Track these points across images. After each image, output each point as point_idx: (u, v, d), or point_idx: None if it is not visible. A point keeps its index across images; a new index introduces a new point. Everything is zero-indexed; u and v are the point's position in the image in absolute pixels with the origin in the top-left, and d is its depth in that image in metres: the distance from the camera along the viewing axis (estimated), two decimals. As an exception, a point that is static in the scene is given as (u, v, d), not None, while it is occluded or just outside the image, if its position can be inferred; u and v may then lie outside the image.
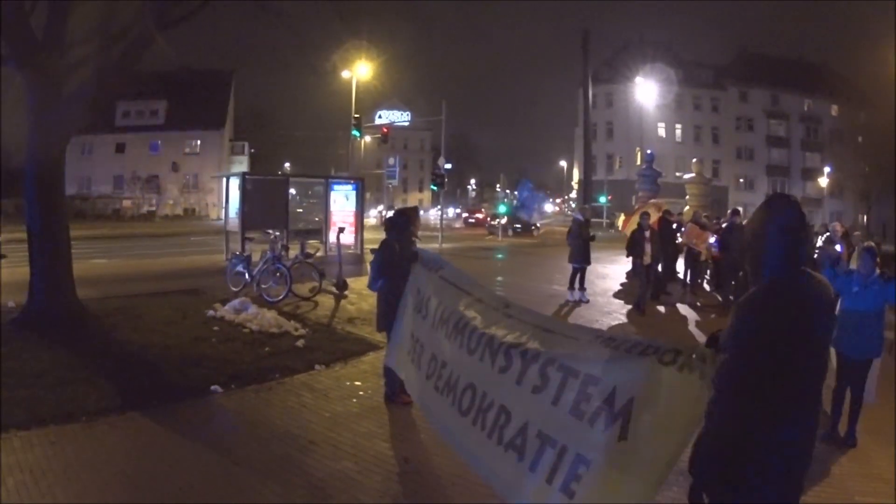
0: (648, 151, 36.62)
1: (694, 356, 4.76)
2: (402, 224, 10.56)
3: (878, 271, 10.00)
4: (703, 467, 4.69)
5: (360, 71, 52.31)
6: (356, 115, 51.21)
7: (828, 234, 20.16)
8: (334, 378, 10.93)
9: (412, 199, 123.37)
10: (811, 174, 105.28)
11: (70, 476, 7.51)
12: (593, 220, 49.16)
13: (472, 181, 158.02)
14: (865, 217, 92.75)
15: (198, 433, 9.14)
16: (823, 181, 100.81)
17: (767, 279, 4.66)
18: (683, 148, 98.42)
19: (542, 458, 5.66)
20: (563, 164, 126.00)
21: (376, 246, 10.62)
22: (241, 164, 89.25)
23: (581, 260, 21.95)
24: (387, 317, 9.99)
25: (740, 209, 21.89)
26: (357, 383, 11.23)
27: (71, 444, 8.46)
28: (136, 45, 15.38)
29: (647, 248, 20.35)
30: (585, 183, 53.97)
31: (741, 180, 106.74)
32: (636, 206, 30.50)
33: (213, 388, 10.82)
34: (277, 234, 20.69)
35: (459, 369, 7.27)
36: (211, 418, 9.85)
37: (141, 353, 12.72)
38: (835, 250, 17.93)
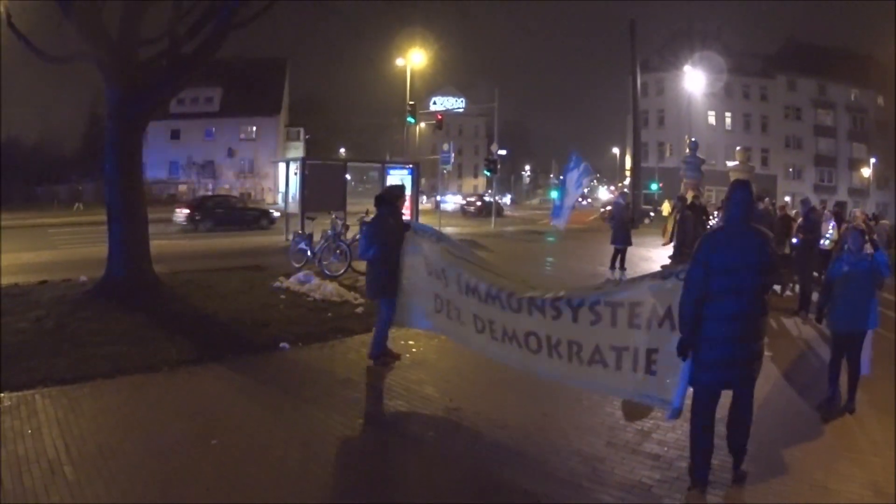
0: (693, 139, 36.85)
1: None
2: (392, 200, 11.47)
3: (869, 250, 10.76)
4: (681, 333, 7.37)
5: (415, 59, 52.74)
6: (411, 102, 51.88)
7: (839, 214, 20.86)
8: (390, 338, 11.63)
9: (467, 185, 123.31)
10: (857, 165, 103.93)
11: (152, 415, 8.71)
12: (645, 206, 49.88)
13: (527, 167, 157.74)
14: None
15: (271, 379, 10.44)
16: (867, 172, 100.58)
17: (725, 226, 7.66)
18: (733, 136, 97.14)
19: (622, 360, 8.21)
20: (616, 151, 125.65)
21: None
22: (297, 150, 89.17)
23: (622, 241, 22.65)
24: (378, 282, 11.15)
25: (809, 198, 22.50)
26: (410, 342, 12.26)
27: (155, 388, 9.74)
28: (207, 44, 16.45)
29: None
30: (635, 169, 54.72)
31: (790, 169, 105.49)
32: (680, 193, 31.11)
33: (281, 345, 12.05)
34: (339, 214, 21.67)
35: (512, 323, 9.23)
36: (282, 368, 11.10)
37: (214, 316, 13.93)
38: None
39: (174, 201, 62.37)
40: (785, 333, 15.87)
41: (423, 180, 67.75)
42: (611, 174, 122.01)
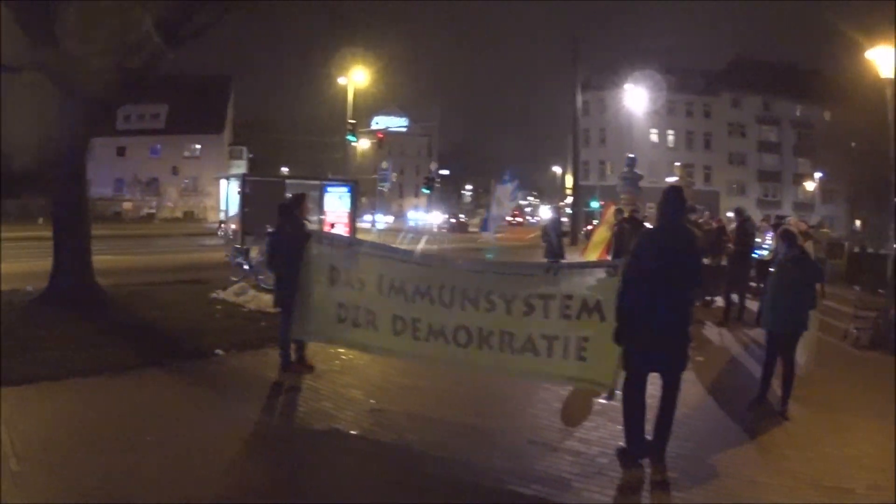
0: (631, 155, 37.43)
1: (619, 267, 8.39)
2: (292, 209, 11.78)
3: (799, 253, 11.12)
4: (619, 321, 8.01)
5: (357, 77, 52.29)
6: (351, 121, 52.13)
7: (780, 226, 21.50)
8: (321, 347, 12.09)
9: (408, 204, 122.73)
10: (802, 179, 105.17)
11: (95, 415, 9.22)
12: (588, 227, 50.40)
13: (469, 186, 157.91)
14: (860, 222, 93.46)
15: (206, 383, 10.98)
16: (811, 186, 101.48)
17: (659, 224, 8.35)
18: (675, 153, 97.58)
19: (553, 348, 8.80)
20: (558, 169, 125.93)
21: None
22: (240, 168, 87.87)
23: (555, 255, 22.92)
24: (279, 293, 11.52)
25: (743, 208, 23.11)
26: (341, 350, 12.56)
27: (99, 391, 10.24)
28: (150, 58, 16.83)
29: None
30: (575, 187, 55.32)
31: (733, 185, 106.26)
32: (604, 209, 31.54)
33: (216, 351, 12.53)
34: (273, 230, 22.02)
35: (441, 319, 9.59)
36: (217, 373, 11.62)
37: (154, 325, 14.38)
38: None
39: (119, 219, 62.12)
40: (719, 340, 16.60)
41: (363, 199, 67.91)
42: (552, 192, 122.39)
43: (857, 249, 46.29)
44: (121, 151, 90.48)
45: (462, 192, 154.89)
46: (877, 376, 13.94)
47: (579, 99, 56.44)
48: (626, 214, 22.83)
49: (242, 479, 7.48)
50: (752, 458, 9.04)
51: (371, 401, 10.46)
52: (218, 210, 27.10)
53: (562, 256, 23.27)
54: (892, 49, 18.13)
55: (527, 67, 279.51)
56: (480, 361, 9.44)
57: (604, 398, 8.94)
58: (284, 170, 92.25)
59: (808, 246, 13.91)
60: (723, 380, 13.03)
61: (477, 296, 9.34)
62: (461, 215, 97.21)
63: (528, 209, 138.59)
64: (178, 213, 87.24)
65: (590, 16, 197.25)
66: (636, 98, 69.80)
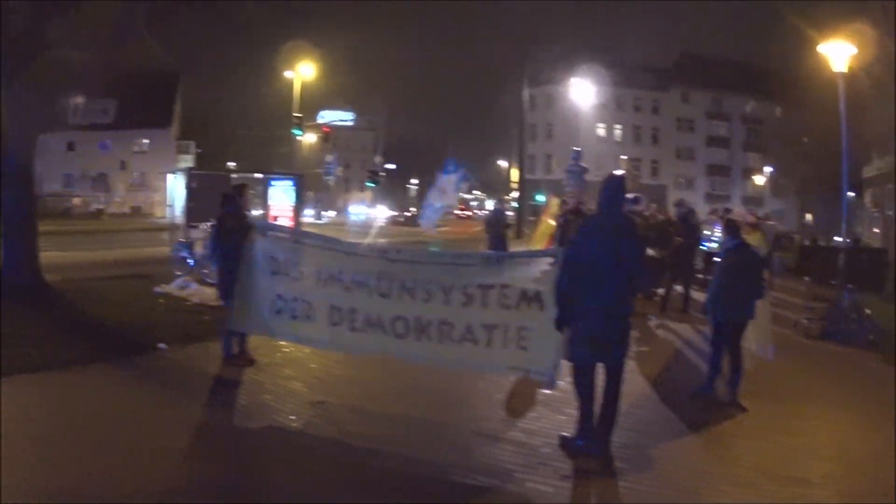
0: (577, 149, 37.60)
1: (558, 255, 8.40)
2: (234, 199, 11.76)
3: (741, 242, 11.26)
4: (558, 308, 8.06)
5: (304, 71, 53.02)
6: (297, 115, 52.30)
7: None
8: (265, 340, 11.99)
9: (354, 198, 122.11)
10: (752, 173, 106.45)
11: (42, 409, 9.13)
12: (531, 218, 50.59)
13: (414, 181, 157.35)
14: (810, 215, 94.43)
15: (150, 377, 10.93)
16: (760, 180, 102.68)
17: (599, 211, 8.40)
18: (622, 148, 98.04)
19: (493, 337, 8.80)
20: (504, 163, 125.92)
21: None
22: (188, 163, 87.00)
23: (499, 248, 22.96)
24: (222, 285, 11.53)
25: (684, 200, 23.32)
26: (283, 343, 12.39)
27: (46, 386, 10.09)
28: (101, 50, 16.63)
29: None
30: (521, 181, 55.48)
31: (681, 180, 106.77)
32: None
33: (160, 345, 12.46)
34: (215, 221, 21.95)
35: (379, 309, 9.55)
36: (161, 367, 11.59)
37: (100, 320, 14.28)
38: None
39: (69, 215, 61.40)
40: (664, 331, 16.78)
41: (310, 193, 67.59)
42: (498, 186, 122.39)
43: (807, 242, 46.83)
44: (71, 147, 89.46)
45: (407, 186, 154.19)
46: (829, 366, 14.41)
47: (526, 93, 56.55)
48: (570, 206, 22.89)
49: (184, 476, 7.41)
50: (700, 447, 9.17)
51: (313, 393, 10.50)
52: (165, 205, 26.81)
53: (505, 249, 23.04)
54: (845, 44, 18.32)
55: (474, 62, 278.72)
56: (419, 352, 9.47)
57: (545, 388, 9.02)
58: (232, 164, 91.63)
59: (757, 237, 14.03)
60: (669, 370, 13.19)
61: (415, 286, 9.35)
62: (412, 208, 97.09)
63: (473, 203, 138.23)
64: (127, 209, 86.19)
65: (538, 11, 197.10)
66: (583, 93, 69.90)
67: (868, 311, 16.89)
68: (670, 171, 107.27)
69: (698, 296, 18.00)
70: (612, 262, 7.90)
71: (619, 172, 31.25)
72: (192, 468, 7.62)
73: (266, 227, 12.16)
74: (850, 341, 16.25)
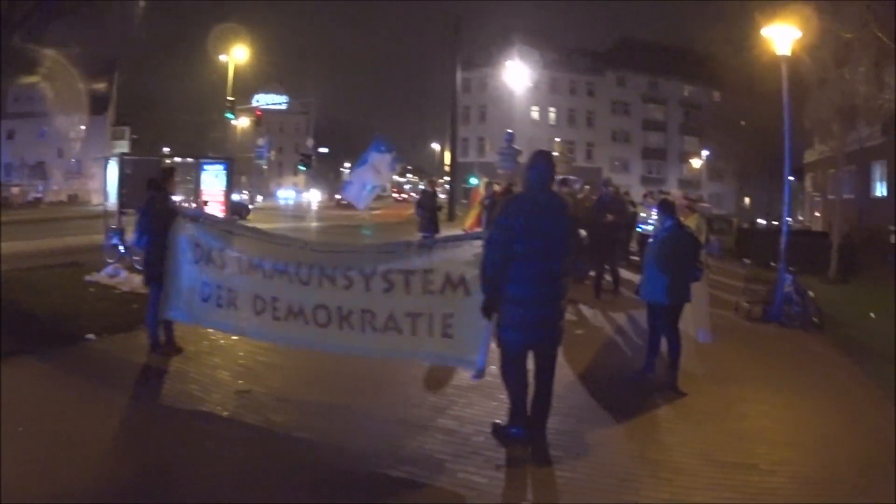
0: (509, 131, 37.45)
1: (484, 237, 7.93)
2: (160, 184, 11.45)
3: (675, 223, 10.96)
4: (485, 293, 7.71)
5: (238, 54, 52.72)
6: (230, 98, 51.77)
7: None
8: (191, 328, 11.70)
9: (287, 182, 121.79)
10: (688, 157, 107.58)
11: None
12: (464, 201, 50.54)
13: (347, 164, 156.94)
14: (748, 199, 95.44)
15: (77, 369, 10.53)
16: (697, 163, 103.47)
17: (526, 189, 7.98)
18: (557, 131, 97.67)
19: (417, 325, 8.44)
20: (437, 146, 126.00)
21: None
22: (123, 148, 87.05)
23: (430, 230, 22.97)
24: (148, 271, 11.25)
25: (609, 178, 23.06)
26: (209, 331, 12.11)
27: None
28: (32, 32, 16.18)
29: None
30: (452, 163, 55.42)
31: (616, 162, 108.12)
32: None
33: (88, 336, 12.08)
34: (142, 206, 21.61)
35: (300, 297, 9.19)
36: (88, 358, 11.20)
37: (28, 310, 13.80)
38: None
39: (7, 205, 60.56)
40: (600, 314, 16.45)
41: (243, 178, 67.29)
42: (431, 169, 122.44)
43: (745, 225, 47.14)
44: (11, 135, 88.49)
45: (341, 169, 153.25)
46: (772, 349, 14.13)
47: (459, 76, 56.45)
48: (497, 188, 22.88)
49: (109, 469, 7.12)
50: (639, 433, 8.88)
51: (239, 382, 10.26)
52: (102, 192, 26.38)
53: (436, 231, 23.09)
54: (789, 27, 18.15)
55: (408, 44, 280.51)
56: (341, 342, 9.13)
57: (473, 377, 8.60)
58: (167, 149, 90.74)
59: (694, 220, 13.77)
60: (607, 354, 12.95)
61: (335, 273, 9.01)
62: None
63: (407, 186, 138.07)
64: (64, 197, 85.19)
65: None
66: (517, 76, 70.06)
67: (811, 294, 16.78)
68: (605, 154, 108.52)
69: (635, 278, 17.65)
70: (541, 243, 7.58)
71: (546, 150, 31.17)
72: (115, 461, 7.36)
73: (190, 212, 11.84)
74: (792, 324, 16.14)
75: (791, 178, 25.02)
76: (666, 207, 11.17)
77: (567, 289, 8.08)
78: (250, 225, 11.56)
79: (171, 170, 12.39)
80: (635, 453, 8.07)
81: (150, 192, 11.39)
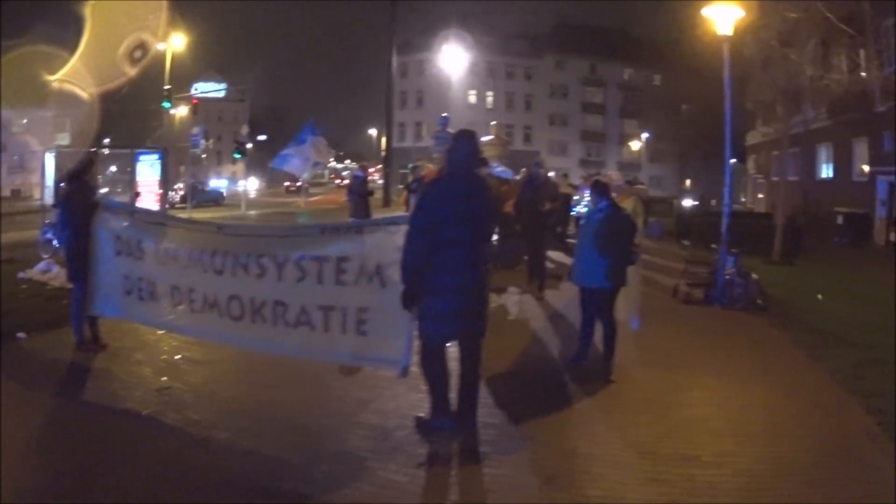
0: (444, 115, 37.38)
1: (401, 224, 7.71)
2: (80, 175, 11.13)
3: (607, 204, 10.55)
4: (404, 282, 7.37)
5: (176, 42, 53.27)
6: (167, 87, 52.12)
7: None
8: (118, 323, 11.45)
9: (226, 171, 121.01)
10: (628, 140, 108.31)
11: None
12: (399, 186, 50.41)
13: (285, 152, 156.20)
14: (689, 181, 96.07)
15: (6, 369, 9.98)
16: (636, 145, 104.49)
17: (448, 172, 7.73)
18: (494, 115, 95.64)
19: (330, 320, 8.01)
20: (374, 132, 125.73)
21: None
22: (65, 141, 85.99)
23: (361, 215, 22.45)
24: (71, 266, 10.91)
25: (542, 160, 22.55)
26: (136, 325, 11.71)
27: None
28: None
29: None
30: (388, 149, 55.38)
31: (554, 145, 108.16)
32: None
33: (18, 335, 11.66)
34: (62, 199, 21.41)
35: (214, 287, 8.92)
36: (18, 357, 10.75)
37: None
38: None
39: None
40: (530, 300, 16.02)
41: (182, 167, 66.95)
42: (369, 155, 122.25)
43: (687, 206, 47.24)
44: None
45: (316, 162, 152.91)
46: (712, 333, 13.88)
47: (395, 60, 56.35)
48: (423, 172, 22.68)
49: (25, 471, 6.88)
50: (572, 425, 8.55)
51: (162, 378, 9.90)
52: (43, 186, 26.03)
53: (368, 216, 22.47)
54: (731, 6, 18.00)
55: (346, 30, 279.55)
56: (254, 337, 8.85)
57: (396, 375, 8.13)
58: (107, 140, 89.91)
59: (630, 201, 13.48)
60: (537, 342, 12.62)
61: (248, 260, 8.71)
62: (298, 182, 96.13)
63: (345, 172, 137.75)
64: (7, 192, 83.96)
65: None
66: (454, 60, 70.08)
67: (755, 276, 16.55)
68: (544, 138, 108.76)
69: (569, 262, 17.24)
70: (464, 229, 7.31)
71: (489, 139, 31.16)
72: (33, 463, 7.12)
73: (110, 203, 11.34)
74: (735, 306, 15.89)
75: (734, 160, 25.04)
76: (599, 188, 10.81)
77: (489, 276, 7.90)
78: (170, 214, 11.13)
79: (90, 161, 11.94)
80: (567, 447, 7.73)
81: (70, 184, 11.12)
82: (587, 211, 11.96)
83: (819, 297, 17.75)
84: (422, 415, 8.02)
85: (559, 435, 8.11)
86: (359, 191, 23.26)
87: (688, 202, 64.81)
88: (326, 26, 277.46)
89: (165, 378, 9.88)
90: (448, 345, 7.76)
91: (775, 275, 21.06)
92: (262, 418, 8.48)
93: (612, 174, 20.32)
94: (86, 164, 11.59)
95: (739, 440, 8.06)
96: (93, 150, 28.93)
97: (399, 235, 7.55)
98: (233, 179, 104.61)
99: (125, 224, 10.21)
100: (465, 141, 7.76)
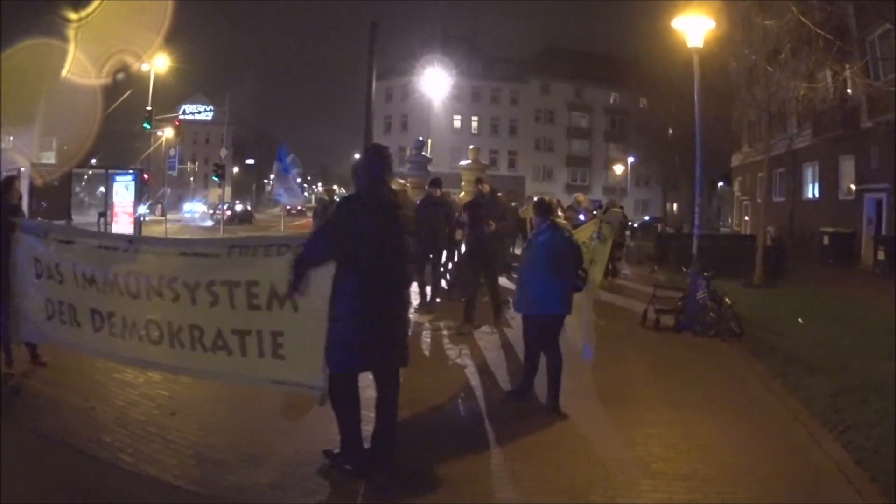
0: (419, 138, 37.02)
1: (291, 245, 7.40)
2: (1, 194, 10.64)
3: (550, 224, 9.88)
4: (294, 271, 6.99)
5: (160, 64, 53.52)
6: (148, 108, 51.84)
7: (570, 204, 20.58)
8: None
9: (213, 195, 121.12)
10: (613, 164, 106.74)
11: None
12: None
13: (272, 176, 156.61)
14: (676, 205, 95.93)
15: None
16: (619, 169, 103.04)
17: (357, 190, 7.19)
18: (478, 139, 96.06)
19: (247, 344, 7.56)
20: (358, 156, 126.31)
21: None
22: (50, 160, 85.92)
23: None
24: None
25: (484, 177, 21.74)
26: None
27: None
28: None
29: None
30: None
31: (540, 170, 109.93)
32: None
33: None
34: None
35: (133, 312, 8.46)
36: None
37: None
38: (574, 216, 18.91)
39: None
40: (474, 328, 14.93)
41: (167, 190, 66.87)
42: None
43: (670, 230, 46.94)
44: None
45: (266, 181, 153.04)
46: (676, 361, 13.06)
47: (374, 85, 56.37)
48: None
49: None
50: (499, 467, 7.74)
51: (85, 399, 9.53)
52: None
53: None
54: (699, 17, 17.64)
55: (334, 56, 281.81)
56: (174, 362, 8.45)
57: (317, 403, 7.49)
58: (93, 161, 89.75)
59: (592, 225, 12.84)
60: (479, 371, 11.84)
61: (160, 283, 8.21)
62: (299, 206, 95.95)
63: (336, 198, 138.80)
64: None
65: (399, 5, 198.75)
66: (438, 84, 70.15)
67: (728, 301, 15.63)
68: (528, 163, 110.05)
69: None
70: (372, 250, 6.83)
71: (466, 163, 30.93)
72: None
73: (28, 224, 10.60)
74: (707, 332, 15.09)
75: (721, 183, 24.54)
76: (542, 208, 10.13)
77: (408, 302, 7.50)
78: (81, 228, 10.59)
79: (12, 179, 11.53)
80: (496, 489, 7.13)
81: None
82: (530, 233, 11.25)
83: (800, 320, 16.96)
84: (332, 449, 7.46)
85: (488, 475, 7.46)
86: (322, 214, 22.82)
87: (674, 225, 64.79)
88: (313, 53, 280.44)
89: (90, 400, 9.49)
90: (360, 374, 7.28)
91: (755, 298, 20.53)
92: (170, 446, 8.05)
93: (580, 196, 19.78)
94: (7, 182, 11.07)
95: (690, 485, 7.21)
96: (91, 169, 28.93)
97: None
98: (209, 203, 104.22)
99: (42, 246, 9.70)
100: (372, 156, 7.43)
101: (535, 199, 12.58)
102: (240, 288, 7.67)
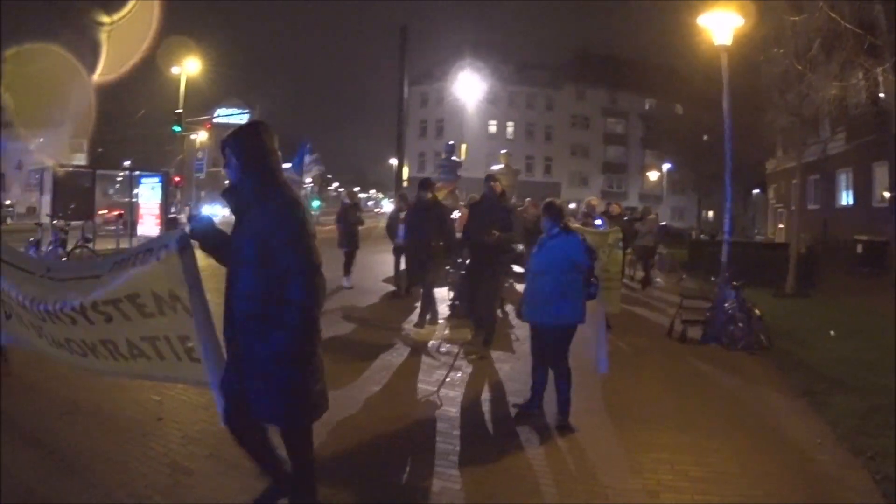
0: (450, 142, 36.83)
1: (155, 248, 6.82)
2: None
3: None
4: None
5: (191, 67, 53.94)
6: (178, 111, 51.49)
7: (584, 210, 19.89)
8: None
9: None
10: (650, 170, 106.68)
11: None
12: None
13: (308, 180, 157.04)
14: (711, 213, 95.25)
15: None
16: (653, 175, 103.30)
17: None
18: (514, 145, 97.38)
19: (160, 348, 7.14)
20: (394, 161, 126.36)
21: None
22: (81, 161, 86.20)
23: (349, 244, 22.10)
24: None
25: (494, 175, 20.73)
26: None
27: None
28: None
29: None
30: (398, 179, 54.89)
31: (575, 177, 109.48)
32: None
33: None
34: (60, 222, 22.28)
35: (50, 331, 8.07)
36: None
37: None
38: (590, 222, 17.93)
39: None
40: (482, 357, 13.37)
41: (202, 192, 66.94)
42: (391, 184, 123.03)
43: (703, 237, 46.30)
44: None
45: (304, 186, 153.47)
46: (700, 378, 12.43)
47: (407, 89, 56.23)
48: (408, 201, 21.08)
49: None
50: (507, 484, 7.19)
51: (63, 405, 9.43)
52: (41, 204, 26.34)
53: (355, 244, 22.31)
54: (727, 13, 17.11)
55: (370, 61, 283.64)
56: (104, 367, 7.94)
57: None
58: (127, 163, 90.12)
59: (615, 232, 12.34)
60: (488, 384, 11.19)
61: (56, 311, 7.71)
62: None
63: (370, 203, 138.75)
64: (23, 209, 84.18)
65: (432, 6, 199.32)
66: (473, 90, 69.93)
67: (758, 312, 15.00)
68: (564, 169, 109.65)
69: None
70: (232, 255, 5.75)
71: (499, 168, 30.55)
72: None
73: None
74: (735, 345, 14.46)
75: (756, 190, 23.97)
76: (552, 211, 9.62)
77: (310, 330, 5.67)
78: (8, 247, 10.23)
79: None
80: None
81: None
82: (539, 238, 10.54)
83: (831, 333, 16.32)
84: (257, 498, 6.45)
85: (486, 497, 6.85)
86: (346, 219, 22.38)
87: (709, 233, 64.13)
88: (350, 60, 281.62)
89: (64, 407, 9.37)
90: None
91: (787, 309, 20.01)
92: (148, 454, 7.95)
93: (593, 200, 19.22)
94: None
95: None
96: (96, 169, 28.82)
97: (174, 259, 6.53)
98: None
99: None
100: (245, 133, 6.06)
101: (546, 201, 11.75)
102: (123, 303, 7.18)
